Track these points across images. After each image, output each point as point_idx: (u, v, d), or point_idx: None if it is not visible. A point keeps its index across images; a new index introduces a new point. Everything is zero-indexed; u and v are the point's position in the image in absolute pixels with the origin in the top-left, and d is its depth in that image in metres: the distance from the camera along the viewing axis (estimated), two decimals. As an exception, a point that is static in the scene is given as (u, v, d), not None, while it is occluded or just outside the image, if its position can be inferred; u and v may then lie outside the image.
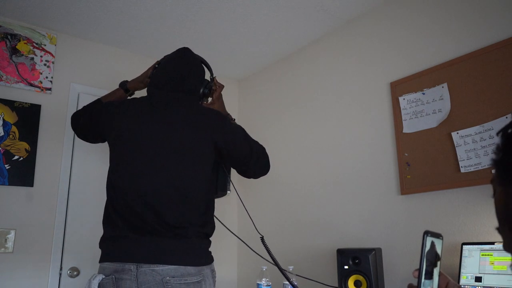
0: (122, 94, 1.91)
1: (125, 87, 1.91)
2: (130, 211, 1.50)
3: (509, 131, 0.57)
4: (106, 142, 1.78)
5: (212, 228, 1.62)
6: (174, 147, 1.55)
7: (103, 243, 1.56)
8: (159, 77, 1.72)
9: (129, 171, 1.54)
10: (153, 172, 1.52)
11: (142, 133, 1.57)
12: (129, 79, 1.94)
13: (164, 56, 1.83)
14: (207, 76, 1.84)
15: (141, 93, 2.01)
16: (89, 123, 1.74)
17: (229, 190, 1.90)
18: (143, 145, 1.55)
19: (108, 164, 1.67)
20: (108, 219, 1.56)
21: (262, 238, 1.84)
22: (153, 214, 1.48)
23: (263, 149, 1.75)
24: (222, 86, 1.88)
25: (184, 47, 1.80)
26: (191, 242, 1.50)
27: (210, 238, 1.61)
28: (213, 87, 1.84)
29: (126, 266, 1.44)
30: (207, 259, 1.55)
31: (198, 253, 1.52)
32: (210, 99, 1.87)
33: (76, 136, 1.86)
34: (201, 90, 1.76)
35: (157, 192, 1.50)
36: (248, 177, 1.79)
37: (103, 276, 1.47)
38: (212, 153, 1.61)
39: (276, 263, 1.80)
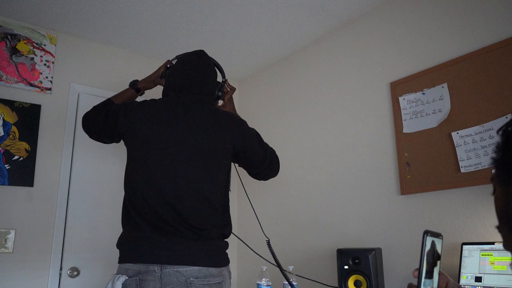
0: (133, 94, 1.90)
1: (136, 86, 1.90)
2: (152, 212, 1.50)
3: (509, 129, 0.57)
4: (113, 142, 1.79)
5: (230, 229, 1.64)
6: (195, 149, 1.56)
7: (124, 243, 1.54)
8: (177, 80, 1.73)
9: (151, 172, 1.54)
10: (176, 174, 1.53)
11: (164, 135, 1.57)
12: (129, 79, 1.95)
13: (176, 56, 1.84)
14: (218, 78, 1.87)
15: (151, 92, 2.02)
16: (105, 124, 1.69)
17: (230, 190, 1.90)
18: (165, 147, 1.55)
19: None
20: (129, 220, 1.54)
21: (268, 242, 1.84)
22: (176, 216, 1.49)
23: (275, 152, 1.82)
24: (234, 89, 1.93)
25: (201, 50, 1.83)
26: (213, 243, 1.53)
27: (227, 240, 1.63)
28: (225, 90, 1.89)
29: (150, 268, 1.44)
30: (226, 261, 1.58)
31: (219, 255, 1.55)
32: (220, 101, 1.92)
33: (91, 138, 1.82)
34: (216, 93, 1.82)
35: (180, 194, 1.51)
36: (259, 179, 1.85)
37: (127, 277, 1.46)
38: (230, 156, 1.65)
39: (279, 267, 1.80)
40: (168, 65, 1.85)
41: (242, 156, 1.69)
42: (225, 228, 1.59)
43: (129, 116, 1.63)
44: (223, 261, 1.55)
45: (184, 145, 1.56)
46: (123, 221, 1.58)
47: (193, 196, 1.52)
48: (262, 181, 1.91)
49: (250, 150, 1.70)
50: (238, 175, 1.92)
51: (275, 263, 1.84)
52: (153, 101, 1.69)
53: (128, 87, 1.92)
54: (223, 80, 1.90)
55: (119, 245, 1.56)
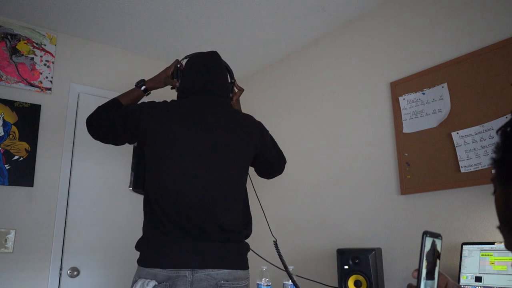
0: (140, 94, 1.83)
1: (144, 87, 1.83)
2: (182, 215, 1.47)
3: (508, 129, 0.57)
4: (128, 143, 1.72)
5: (251, 230, 1.65)
6: (224, 152, 1.56)
7: (150, 247, 1.49)
8: (198, 82, 1.70)
9: (182, 175, 1.50)
10: (207, 176, 1.51)
11: (193, 138, 1.54)
12: (129, 79, 1.94)
13: (186, 57, 1.82)
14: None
15: (157, 92, 2.00)
16: (124, 126, 1.59)
17: None
18: (195, 149, 1.53)
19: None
20: (155, 222, 1.50)
21: (275, 242, 1.84)
22: (209, 218, 1.47)
23: (283, 153, 1.88)
24: (242, 90, 1.94)
25: (214, 51, 1.82)
26: (241, 245, 1.54)
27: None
28: (234, 91, 1.92)
29: (181, 273, 1.41)
30: (248, 263, 1.59)
31: (245, 257, 1.56)
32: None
33: (94, 139, 1.70)
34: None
35: (213, 197, 1.50)
36: (268, 178, 1.92)
37: (156, 283, 1.41)
38: (251, 157, 1.68)
39: (285, 268, 1.80)
40: (178, 65, 1.82)
41: (261, 158, 1.73)
42: (248, 229, 1.61)
43: (154, 117, 1.56)
44: (248, 264, 1.58)
45: (213, 147, 1.55)
46: (148, 223, 1.52)
47: (222, 198, 1.51)
48: (260, 180, 1.92)
49: (268, 153, 1.74)
50: (249, 177, 1.91)
51: (275, 261, 1.84)
52: (175, 102, 1.65)
53: (134, 87, 1.85)
54: (232, 81, 1.90)
55: (143, 248, 1.51)
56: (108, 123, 1.62)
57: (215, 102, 1.67)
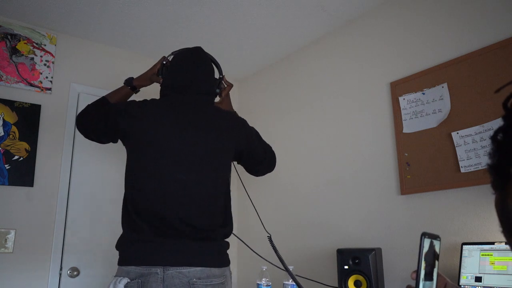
0: (128, 92, 1.86)
1: (131, 84, 1.86)
2: (155, 214, 1.48)
3: (499, 136, 0.57)
4: (111, 142, 1.74)
5: (231, 229, 1.64)
6: (200, 150, 1.56)
7: (125, 245, 1.52)
8: (177, 80, 1.71)
9: (156, 174, 1.52)
10: (180, 175, 1.52)
11: (168, 137, 1.55)
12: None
13: (172, 53, 1.82)
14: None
15: (147, 90, 2.01)
16: (106, 125, 1.63)
17: (229, 190, 1.91)
18: (170, 149, 1.54)
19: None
20: (130, 221, 1.52)
21: (269, 237, 1.85)
22: (180, 217, 1.48)
23: (272, 149, 1.84)
24: (231, 85, 1.92)
25: (197, 47, 1.81)
26: (216, 243, 1.53)
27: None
28: (222, 86, 1.89)
29: (153, 270, 1.43)
30: (228, 261, 1.58)
31: (221, 255, 1.55)
32: (217, 97, 1.91)
33: (86, 138, 1.74)
34: (215, 90, 1.82)
35: (186, 196, 1.50)
36: (257, 175, 1.86)
37: (128, 280, 1.44)
38: (232, 154, 1.66)
39: (282, 262, 1.80)
40: (164, 62, 1.83)
41: (244, 155, 1.70)
42: (226, 227, 1.59)
43: (132, 117, 1.59)
44: (225, 262, 1.55)
45: (189, 146, 1.55)
46: (124, 222, 1.55)
47: (199, 197, 1.51)
48: (260, 180, 1.91)
49: (252, 149, 1.71)
50: (238, 174, 1.92)
51: (275, 261, 1.84)
52: (154, 101, 1.67)
53: (122, 85, 1.88)
54: (220, 76, 1.88)
55: (120, 246, 1.54)
56: (93, 121, 1.67)
57: (195, 100, 1.66)
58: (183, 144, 1.55)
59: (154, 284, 1.42)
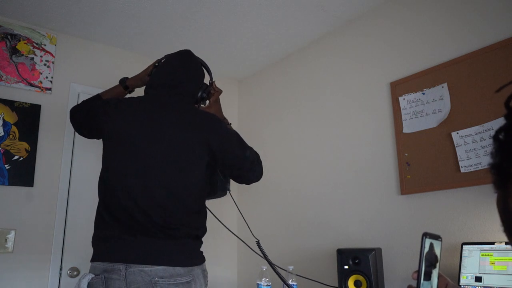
0: (121, 91, 1.91)
1: (124, 84, 1.91)
2: (121, 210, 1.50)
3: (501, 136, 0.58)
4: (94, 138, 1.83)
5: (204, 230, 1.62)
6: (168, 148, 1.55)
7: (94, 242, 1.57)
8: (157, 79, 1.74)
9: (120, 171, 1.55)
10: (144, 172, 1.52)
11: (136, 134, 1.57)
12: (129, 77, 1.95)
13: (165, 56, 1.84)
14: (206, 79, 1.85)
15: (141, 90, 2.02)
16: (85, 118, 1.75)
17: (229, 190, 1.90)
18: (136, 146, 1.55)
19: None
20: (100, 219, 1.56)
21: (258, 242, 1.85)
22: (143, 214, 1.48)
23: (258, 155, 1.73)
24: (220, 91, 1.90)
25: (186, 50, 1.82)
26: (181, 242, 1.50)
27: (202, 239, 1.61)
28: (211, 91, 1.86)
29: (116, 266, 1.44)
30: (198, 260, 1.55)
31: (188, 254, 1.52)
32: (208, 102, 1.89)
33: (75, 131, 1.87)
34: (199, 94, 1.79)
35: (147, 193, 1.50)
36: (241, 182, 1.74)
37: (93, 275, 1.47)
38: (205, 155, 1.59)
39: (272, 266, 1.80)
40: (157, 64, 1.84)
41: (218, 156, 1.61)
42: (196, 228, 1.57)
43: (107, 113, 1.65)
44: (193, 260, 1.52)
45: (157, 144, 1.55)
46: (95, 219, 1.59)
47: (160, 195, 1.50)
48: (260, 180, 1.88)
49: (226, 149, 1.62)
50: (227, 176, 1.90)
51: (275, 261, 1.84)
52: (130, 99, 1.71)
53: (117, 84, 1.94)
54: (210, 81, 1.87)
55: (92, 243, 1.58)
56: (80, 116, 1.76)
57: (173, 100, 1.66)
58: (150, 141, 1.55)
59: (117, 281, 1.43)
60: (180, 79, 1.71)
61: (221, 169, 1.72)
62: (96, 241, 1.56)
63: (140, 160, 1.54)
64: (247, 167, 1.67)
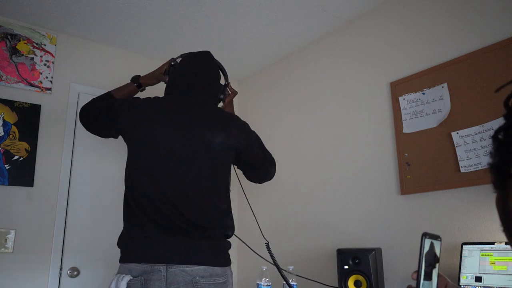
0: (134, 89, 1.88)
1: (138, 82, 1.89)
2: (156, 211, 1.48)
3: (500, 135, 0.58)
4: (112, 137, 1.77)
5: (233, 230, 1.63)
6: (200, 149, 1.56)
7: (127, 242, 1.52)
8: (183, 79, 1.73)
9: (155, 171, 1.53)
10: (179, 173, 1.52)
11: (168, 135, 1.56)
12: (130, 79, 1.94)
13: (181, 55, 1.84)
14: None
15: (151, 89, 2.02)
16: (106, 118, 1.65)
17: (230, 190, 1.90)
18: (170, 146, 1.54)
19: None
20: (132, 218, 1.52)
21: (267, 244, 1.85)
22: (179, 215, 1.48)
23: (273, 157, 1.83)
24: (235, 93, 1.94)
25: (207, 51, 1.83)
26: (218, 243, 1.53)
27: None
28: (226, 93, 1.90)
29: (156, 267, 1.43)
30: (229, 260, 1.58)
31: (223, 254, 1.55)
32: (220, 103, 1.93)
33: (88, 131, 1.77)
34: (218, 95, 1.83)
35: (183, 193, 1.50)
36: (255, 182, 1.85)
37: (131, 277, 1.44)
38: (232, 157, 1.65)
39: (278, 269, 1.80)
40: (172, 63, 1.85)
41: (243, 157, 1.69)
42: (228, 229, 1.59)
43: (133, 113, 1.60)
44: (227, 261, 1.56)
45: (189, 145, 1.55)
46: (126, 219, 1.56)
47: (195, 196, 1.51)
48: (260, 183, 1.90)
49: (251, 153, 1.70)
50: (237, 177, 1.92)
51: (275, 265, 1.84)
52: (157, 98, 1.68)
53: (129, 82, 1.90)
54: (226, 83, 1.90)
55: (121, 244, 1.54)
56: (94, 115, 1.70)
57: (198, 101, 1.67)
58: (182, 142, 1.55)
59: (157, 282, 1.41)
60: (205, 80, 1.73)
61: (240, 168, 1.78)
62: (128, 242, 1.52)
63: (173, 161, 1.53)
64: (265, 168, 1.77)
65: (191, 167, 1.54)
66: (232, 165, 1.74)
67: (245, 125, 1.73)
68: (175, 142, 1.55)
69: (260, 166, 1.76)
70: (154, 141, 1.55)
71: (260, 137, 1.79)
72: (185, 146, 1.55)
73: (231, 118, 1.69)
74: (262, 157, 1.75)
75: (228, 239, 1.61)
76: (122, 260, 1.52)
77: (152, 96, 1.72)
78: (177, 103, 1.64)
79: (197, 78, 1.72)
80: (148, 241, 1.47)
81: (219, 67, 1.86)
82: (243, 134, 1.67)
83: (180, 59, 1.84)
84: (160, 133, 1.56)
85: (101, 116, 1.67)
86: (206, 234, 1.50)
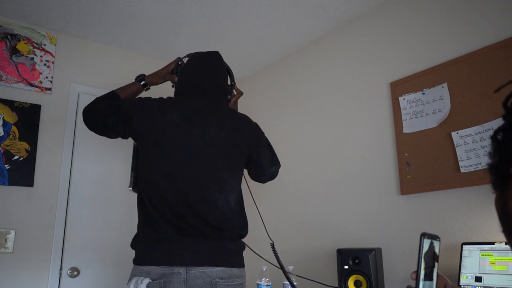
0: (139, 88, 1.82)
1: (143, 81, 1.83)
2: (174, 213, 1.47)
3: (499, 136, 0.58)
4: (120, 138, 1.70)
5: (247, 228, 1.63)
6: (216, 151, 1.55)
7: (144, 245, 1.50)
8: (194, 80, 1.72)
9: (172, 173, 1.51)
10: (197, 175, 1.51)
11: (183, 136, 1.54)
12: (129, 79, 1.93)
13: (188, 55, 1.82)
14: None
15: (157, 88, 2.00)
16: (118, 120, 1.58)
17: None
18: (185, 148, 1.53)
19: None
20: (149, 220, 1.50)
21: (272, 245, 1.85)
22: (197, 216, 1.47)
23: (278, 158, 1.86)
24: (241, 93, 1.94)
25: (216, 52, 1.82)
26: (235, 244, 1.54)
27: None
28: (233, 93, 1.90)
29: (175, 270, 1.42)
30: (244, 261, 1.59)
31: (240, 255, 1.56)
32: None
33: (92, 131, 1.69)
34: (227, 96, 1.83)
35: (199, 195, 1.49)
36: (260, 181, 1.87)
37: (150, 280, 1.42)
38: (246, 156, 1.66)
39: (283, 269, 1.80)
40: (179, 62, 1.83)
41: (254, 158, 1.70)
42: (243, 229, 1.60)
43: (147, 114, 1.56)
44: (243, 262, 1.57)
45: (205, 146, 1.55)
46: (142, 221, 1.53)
47: (214, 197, 1.51)
48: (264, 183, 1.90)
49: (261, 153, 1.72)
50: (244, 177, 1.91)
51: (277, 264, 1.84)
52: (171, 99, 1.65)
53: (134, 81, 1.84)
54: (232, 83, 1.90)
55: (137, 246, 1.51)
56: (102, 115, 1.61)
57: (209, 101, 1.66)
58: (196, 142, 1.54)
59: (176, 284, 1.40)
60: (217, 81, 1.74)
61: (247, 167, 1.78)
62: (145, 243, 1.49)
63: (190, 162, 1.52)
64: (272, 169, 1.81)
65: (209, 169, 1.53)
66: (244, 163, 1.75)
67: (257, 127, 1.76)
68: (192, 143, 1.54)
69: (269, 167, 1.79)
70: (171, 143, 1.54)
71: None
72: (201, 147, 1.54)
73: (244, 120, 1.72)
74: (270, 158, 1.78)
75: (242, 239, 1.61)
76: (139, 262, 1.48)
77: (156, 96, 1.69)
78: (192, 105, 1.62)
79: (208, 79, 1.71)
80: (166, 244, 1.45)
81: (226, 68, 1.86)
82: (256, 136, 1.70)
83: (187, 58, 1.82)
84: (176, 135, 1.54)
85: (110, 118, 1.59)
86: (224, 235, 1.50)
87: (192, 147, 1.54)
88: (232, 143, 1.59)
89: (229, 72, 1.88)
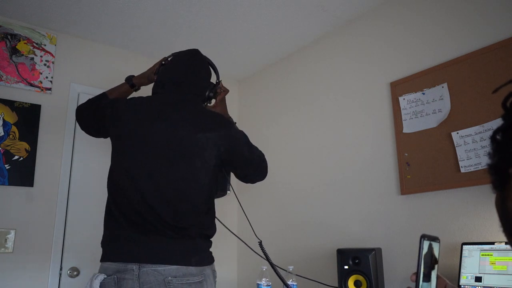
0: (128, 89, 1.90)
1: (131, 82, 1.90)
2: (132, 210, 1.50)
3: (498, 136, 0.58)
4: (101, 137, 1.82)
5: (214, 230, 1.62)
6: (178, 149, 1.54)
7: (105, 242, 1.56)
8: (165, 77, 1.73)
9: (131, 170, 1.54)
10: (156, 172, 1.52)
11: (146, 133, 1.56)
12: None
13: (172, 54, 1.83)
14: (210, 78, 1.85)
15: (147, 88, 2.03)
16: (93, 117, 1.73)
17: (229, 191, 1.90)
18: (146, 145, 1.55)
19: (106, 163, 1.68)
20: (110, 218, 1.55)
21: (260, 243, 1.85)
22: (154, 214, 1.48)
23: (263, 155, 1.75)
24: (227, 91, 1.90)
25: (195, 49, 1.82)
26: (193, 242, 1.51)
27: (211, 239, 1.62)
28: (218, 91, 1.86)
29: (129, 266, 1.44)
30: (208, 260, 1.55)
31: (200, 254, 1.52)
32: (213, 101, 1.89)
33: (82, 130, 1.84)
34: (207, 93, 1.78)
35: (158, 193, 1.50)
36: (246, 182, 1.77)
37: (105, 276, 1.46)
38: (214, 156, 1.59)
39: (273, 267, 1.80)
40: (163, 62, 1.84)
41: (227, 157, 1.62)
42: (206, 228, 1.57)
43: (116, 112, 1.64)
44: (205, 260, 1.52)
45: (167, 144, 1.54)
46: (105, 219, 1.58)
47: (172, 195, 1.50)
48: (253, 183, 1.88)
49: (236, 152, 1.64)
50: (226, 173, 1.89)
51: (275, 261, 1.84)
52: (140, 98, 1.69)
53: (123, 82, 1.92)
54: (217, 81, 1.88)
55: (101, 243, 1.57)
56: (87, 115, 1.75)
57: (180, 98, 1.65)
58: (160, 141, 1.54)
59: (130, 281, 1.43)
60: (189, 78, 1.71)
61: (227, 169, 1.73)
62: (107, 241, 1.55)
63: (151, 160, 1.53)
64: (254, 167, 1.70)
65: (169, 167, 1.52)
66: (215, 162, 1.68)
67: (230, 123, 1.67)
68: (153, 141, 1.54)
69: (248, 166, 1.69)
70: (132, 140, 1.56)
71: (248, 135, 1.73)
72: (164, 145, 1.54)
73: (214, 117, 1.64)
74: (249, 157, 1.67)
75: (208, 239, 1.59)
76: (101, 259, 1.54)
77: (137, 96, 1.74)
78: (159, 102, 1.64)
79: (181, 76, 1.70)
80: (122, 240, 1.49)
81: (209, 65, 1.83)
82: (227, 134, 1.60)
83: (171, 58, 1.83)
84: (138, 133, 1.56)
85: (91, 116, 1.73)
86: (181, 233, 1.48)
87: (154, 146, 1.54)
88: (198, 142, 1.54)
89: (213, 69, 1.86)
